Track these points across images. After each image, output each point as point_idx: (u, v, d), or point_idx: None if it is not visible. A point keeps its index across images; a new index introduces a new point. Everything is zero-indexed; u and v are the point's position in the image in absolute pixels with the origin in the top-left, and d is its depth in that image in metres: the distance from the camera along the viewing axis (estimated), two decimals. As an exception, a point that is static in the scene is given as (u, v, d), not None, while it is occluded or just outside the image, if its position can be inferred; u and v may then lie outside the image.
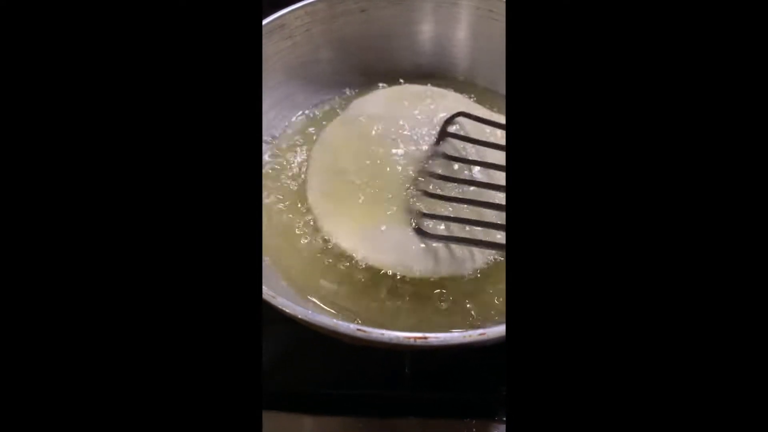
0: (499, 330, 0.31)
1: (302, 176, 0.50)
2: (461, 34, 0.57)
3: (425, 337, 0.31)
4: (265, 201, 0.48)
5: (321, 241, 0.46)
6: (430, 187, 0.46)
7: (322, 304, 0.43)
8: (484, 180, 0.46)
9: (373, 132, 0.51)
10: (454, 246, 0.44)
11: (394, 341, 0.31)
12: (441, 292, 0.43)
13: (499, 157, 0.44)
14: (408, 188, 0.46)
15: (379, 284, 0.43)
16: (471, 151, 0.49)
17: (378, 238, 0.44)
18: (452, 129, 0.50)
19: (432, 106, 0.53)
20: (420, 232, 0.43)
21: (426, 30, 0.57)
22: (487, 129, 0.49)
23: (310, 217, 0.47)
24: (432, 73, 0.59)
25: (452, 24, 0.56)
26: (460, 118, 0.50)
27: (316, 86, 0.57)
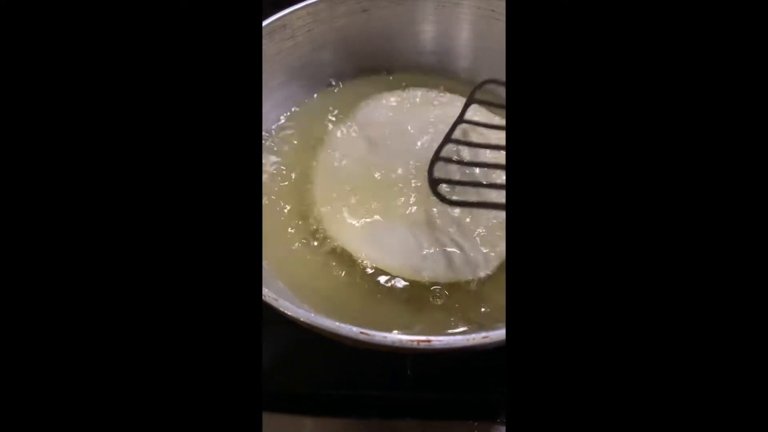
0: (501, 333, 0.31)
1: (305, 178, 0.50)
2: (463, 34, 0.57)
3: (428, 341, 0.31)
4: (265, 203, 0.48)
5: (324, 244, 0.45)
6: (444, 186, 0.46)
7: (323, 306, 0.42)
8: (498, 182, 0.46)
9: (379, 135, 0.51)
10: (461, 250, 0.43)
11: (397, 344, 0.31)
12: (445, 295, 0.42)
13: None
14: (413, 193, 0.46)
15: (382, 287, 0.43)
16: (479, 153, 0.49)
17: (384, 241, 0.44)
18: (457, 133, 0.49)
19: (438, 111, 0.53)
20: (439, 196, 0.42)
21: (428, 30, 0.57)
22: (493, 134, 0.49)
23: (312, 220, 0.47)
24: (434, 72, 0.59)
25: (454, 24, 0.56)
26: (467, 118, 0.50)
27: (318, 87, 0.57)
